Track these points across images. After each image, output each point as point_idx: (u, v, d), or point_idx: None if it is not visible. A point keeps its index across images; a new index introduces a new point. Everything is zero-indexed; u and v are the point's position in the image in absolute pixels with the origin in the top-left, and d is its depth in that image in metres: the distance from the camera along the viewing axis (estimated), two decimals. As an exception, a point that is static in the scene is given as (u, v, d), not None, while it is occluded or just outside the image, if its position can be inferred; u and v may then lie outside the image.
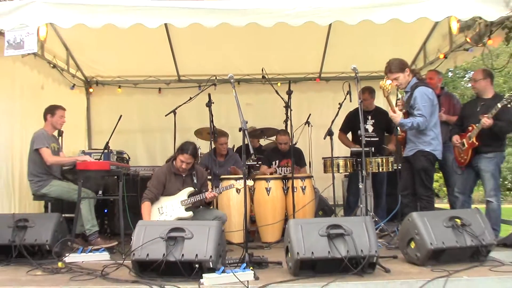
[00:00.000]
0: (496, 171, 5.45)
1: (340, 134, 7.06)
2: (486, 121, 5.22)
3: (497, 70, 6.65)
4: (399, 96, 5.55)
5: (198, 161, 6.03)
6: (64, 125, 6.07)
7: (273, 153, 7.21)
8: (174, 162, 5.52)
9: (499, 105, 5.18)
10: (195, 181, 5.52)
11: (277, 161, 7.03)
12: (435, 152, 5.16)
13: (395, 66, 5.24)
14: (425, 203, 5.16)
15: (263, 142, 8.26)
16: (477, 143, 5.41)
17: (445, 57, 7.03)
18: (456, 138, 5.63)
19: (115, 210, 6.69)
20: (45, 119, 5.83)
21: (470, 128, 5.50)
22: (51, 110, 5.84)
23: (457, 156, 5.72)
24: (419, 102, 5.10)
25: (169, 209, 5.38)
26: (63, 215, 5.23)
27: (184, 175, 5.52)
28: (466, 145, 5.53)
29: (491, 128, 5.26)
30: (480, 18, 5.15)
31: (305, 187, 6.26)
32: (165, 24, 5.31)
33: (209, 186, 6.03)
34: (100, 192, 6.30)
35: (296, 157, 6.72)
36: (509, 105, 5.18)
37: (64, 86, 7.83)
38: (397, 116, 5.08)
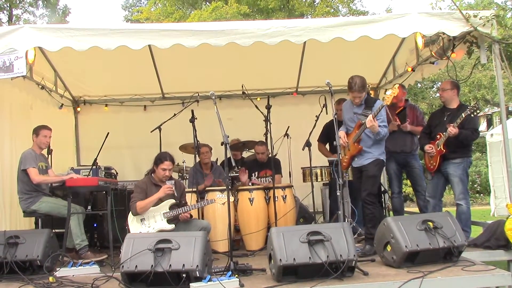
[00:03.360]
0: (464, 175, 5.53)
1: (319, 145, 7.09)
2: (452, 130, 5.30)
3: (461, 81, 6.76)
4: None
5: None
6: (53, 143, 6.02)
7: (252, 164, 7.20)
8: (153, 175, 5.47)
9: (463, 115, 5.28)
10: (175, 192, 5.44)
11: (256, 172, 7.03)
12: (385, 160, 5.41)
13: (364, 85, 5.29)
14: (371, 209, 5.22)
15: (245, 154, 8.26)
16: (444, 150, 5.49)
17: (413, 70, 7.13)
18: (429, 146, 5.68)
19: (104, 224, 6.61)
20: (32, 140, 5.77)
21: (438, 136, 5.57)
22: (36, 131, 5.78)
23: (427, 162, 5.78)
24: (382, 114, 5.23)
25: (151, 221, 5.24)
26: (53, 230, 5.17)
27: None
28: (435, 152, 5.60)
29: (457, 136, 5.34)
30: (443, 33, 5.29)
31: (286, 196, 6.27)
32: (149, 45, 5.31)
33: (193, 198, 6.01)
34: (89, 207, 6.23)
35: (275, 167, 6.74)
36: (472, 115, 5.29)
37: (53, 106, 7.76)
38: (377, 123, 5.13)
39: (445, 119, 5.61)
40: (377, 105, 5.20)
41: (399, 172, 6.61)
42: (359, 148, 5.30)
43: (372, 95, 8.62)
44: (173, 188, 5.34)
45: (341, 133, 5.47)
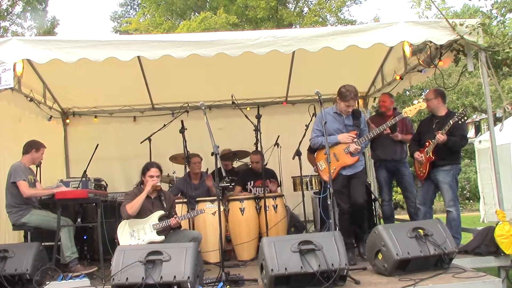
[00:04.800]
0: (453, 182, 5.56)
1: (308, 154, 7.09)
2: (440, 137, 5.34)
3: (449, 88, 6.82)
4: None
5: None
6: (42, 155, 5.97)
7: (247, 174, 7.19)
8: (142, 186, 5.42)
9: (451, 122, 5.33)
10: (164, 203, 5.41)
11: (252, 182, 7.02)
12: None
13: (357, 93, 5.44)
14: (365, 214, 5.37)
15: (236, 164, 8.25)
16: (433, 157, 5.52)
17: (401, 78, 7.19)
18: (418, 154, 5.72)
19: (94, 236, 6.55)
20: (28, 152, 5.71)
21: (427, 143, 5.61)
22: (38, 146, 5.77)
23: (417, 170, 5.82)
24: (366, 126, 5.54)
25: (141, 233, 5.19)
26: (43, 243, 5.11)
27: (153, 197, 5.41)
28: (424, 160, 5.63)
29: (445, 143, 5.38)
30: (430, 42, 5.34)
31: (276, 205, 6.27)
32: (138, 56, 5.31)
33: (184, 209, 5.99)
34: (79, 219, 6.18)
35: (269, 177, 6.75)
36: (460, 122, 5.34)
37: (41, 118, 7.69)
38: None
39: (433, 126, 5.66)
40: (362, 118, 5.48)
41: (389, 180, 6.64)
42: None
43: (361, 103, 8.71)
44: (159, 181, 5.37)
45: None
